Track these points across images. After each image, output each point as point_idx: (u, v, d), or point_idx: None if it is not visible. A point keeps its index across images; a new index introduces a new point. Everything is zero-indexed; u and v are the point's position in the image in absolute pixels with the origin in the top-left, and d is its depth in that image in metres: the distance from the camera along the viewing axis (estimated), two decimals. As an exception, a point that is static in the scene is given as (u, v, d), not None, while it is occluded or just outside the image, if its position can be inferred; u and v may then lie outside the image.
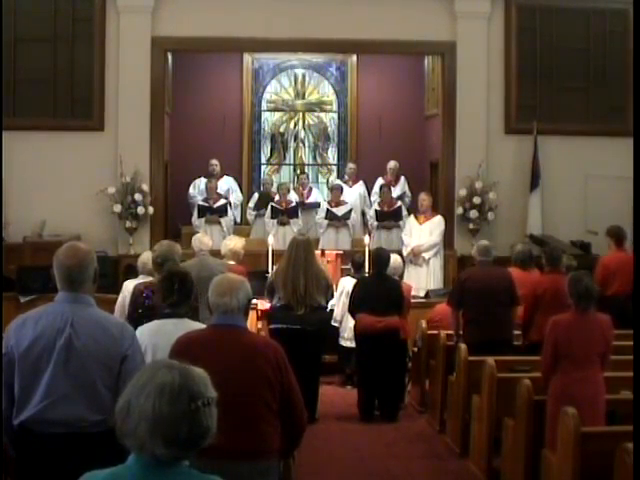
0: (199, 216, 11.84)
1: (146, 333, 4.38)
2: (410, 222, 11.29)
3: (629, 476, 4.11)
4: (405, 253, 10.80)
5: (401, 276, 9.08)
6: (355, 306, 8.12)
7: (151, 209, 11.49)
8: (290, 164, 14.88)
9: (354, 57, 14.39)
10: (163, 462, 2.16)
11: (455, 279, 9.15)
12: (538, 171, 11.81)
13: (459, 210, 11.78)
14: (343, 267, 9.83)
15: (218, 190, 12.24)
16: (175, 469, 2.17)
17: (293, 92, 14.79)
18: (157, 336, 4.33)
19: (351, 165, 13.26)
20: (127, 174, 11.34)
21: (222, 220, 11.84)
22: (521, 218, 11.85)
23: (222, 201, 12.05)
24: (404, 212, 12.05)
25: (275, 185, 13.28)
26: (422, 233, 11.03)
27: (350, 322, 8.71)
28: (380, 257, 8.26)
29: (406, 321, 8.33)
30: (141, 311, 5.25)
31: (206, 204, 11.93)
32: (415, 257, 10.96)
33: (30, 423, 3.53)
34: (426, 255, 11.01)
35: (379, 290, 8.04)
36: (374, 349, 7.95)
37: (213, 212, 11.86)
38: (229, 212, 12.06)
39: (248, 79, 14.42)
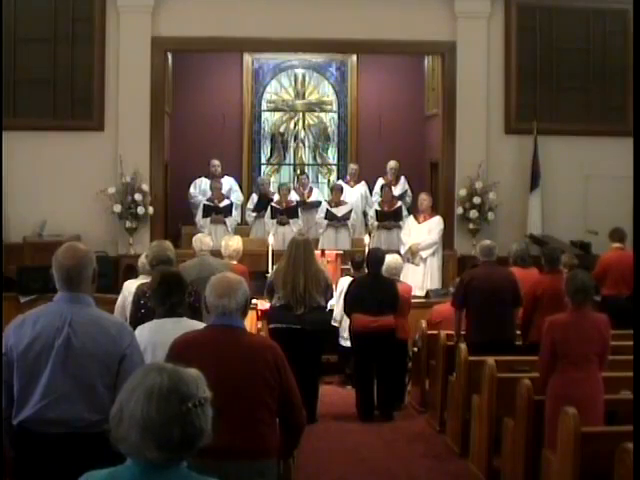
0: (204, 215, 11.83)
1: (146, 332, 4.38)
2: (409, 222, 11.30)
3: (629, 476, 4.10)
4: (403, 252, 10.79)
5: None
6: (349, 306, 8.11)
7: (151, 209, 11.48)
8: (290, 164, 14.88)
9: (354, 57, 14.39)
10: (162, 463, 2.15)
11: (455, 279, 9.14)
12: (538, 171, 11.80)
13: (459, 210, 11.77)
14: (343, 267, 9.83)
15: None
16: (174, 470, 2.16)
17: (293, 92, 14.79)
18: (157, 335, 4.33)
19: (353, 166, 13.26)
20: (127, 174, 11.34)
21: (227, 220, 11.84)
22: (521, 218, 11.84)
23: (227, 201, 12.07)
24: (404, 212, 12.06)
25: (272, 185, 13.28)
26: (420, 232, 11.02)
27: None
28: (375, 257, 8.24)
29: (406, 321, 8.32)
30: (143, 311, 5.23)
31: (211, 204, 11.93)
32: (412, 256, 10.94)
33: (29, 423, 3.53)
34: (423, 254, 10.99)
35: (373, 290, 8.00)
36: (369, 349, 7.94)
37: (218, 212, 11.86)
38: (234, 212, 12.07)
39: (248, 79, 14.43)
